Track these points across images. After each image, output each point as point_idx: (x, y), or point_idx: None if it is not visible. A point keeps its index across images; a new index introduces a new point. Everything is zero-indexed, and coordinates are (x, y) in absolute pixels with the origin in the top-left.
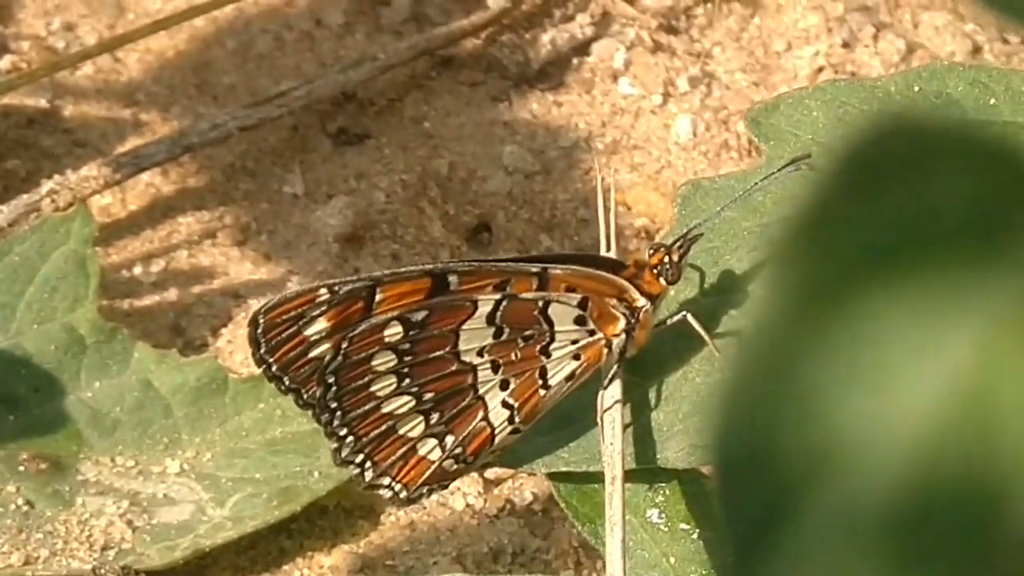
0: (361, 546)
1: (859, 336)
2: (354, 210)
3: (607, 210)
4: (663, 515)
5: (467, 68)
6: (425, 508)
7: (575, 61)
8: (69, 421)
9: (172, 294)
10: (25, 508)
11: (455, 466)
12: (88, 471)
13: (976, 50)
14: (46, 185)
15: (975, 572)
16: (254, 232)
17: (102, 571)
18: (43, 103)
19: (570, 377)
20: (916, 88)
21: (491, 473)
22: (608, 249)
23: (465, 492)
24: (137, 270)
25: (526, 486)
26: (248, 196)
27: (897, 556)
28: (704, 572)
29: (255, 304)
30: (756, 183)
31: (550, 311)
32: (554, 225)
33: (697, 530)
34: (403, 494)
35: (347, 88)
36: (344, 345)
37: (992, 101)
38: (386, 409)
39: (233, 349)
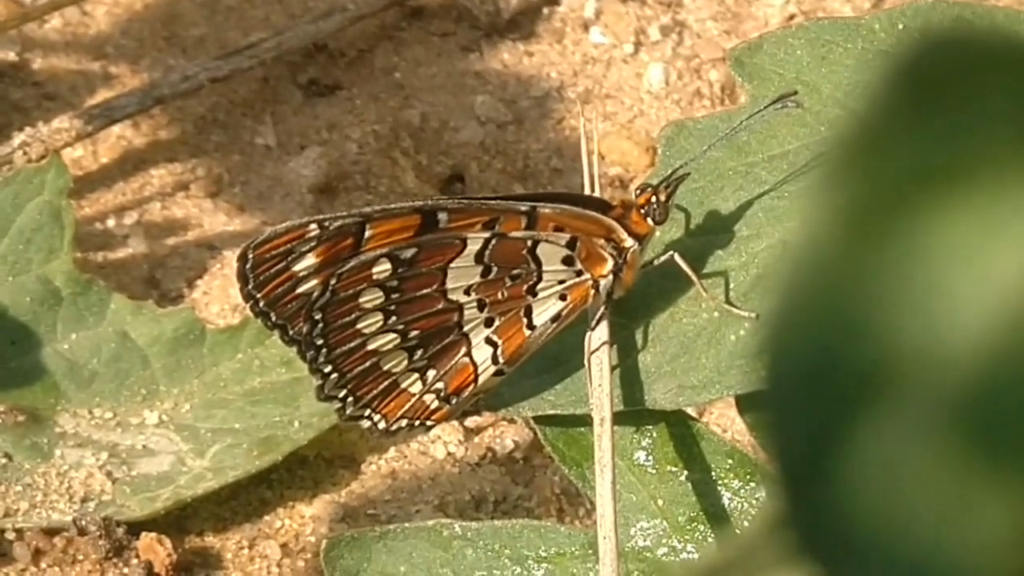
0: (342, 495)
1: (916, 251)
2: (327, 161)
3: (590, 154)
4: (650, 457)
5: (438, 18)
6: (406, 457)
7: (546, 11)
8: (46, 373)
9: (146, 246)
10: (3, 461)
11: (436, 403)
12: (66, 423)
13: None
14: (18, 138)
15: None
16: (227, 184)
17: (83, 523)
18: (12, 56)
19: (556, 318)
20: (900, 26)
21: (472, 421)
22: (592, 193)
23: (446, 440)
24: (110, 222)
25: (507, 434)
26: (220, 148)
27: (979, 446)
28: (692, 514)
29: (230, 255)
30: (741, 122)
31: (538, 250)
32: (527, 175)
33: (685, 472)
34: (381, 425)
35: (317, 39)
36: (332, 281)
37: None
38: (371, 346)
39: (209, 300)
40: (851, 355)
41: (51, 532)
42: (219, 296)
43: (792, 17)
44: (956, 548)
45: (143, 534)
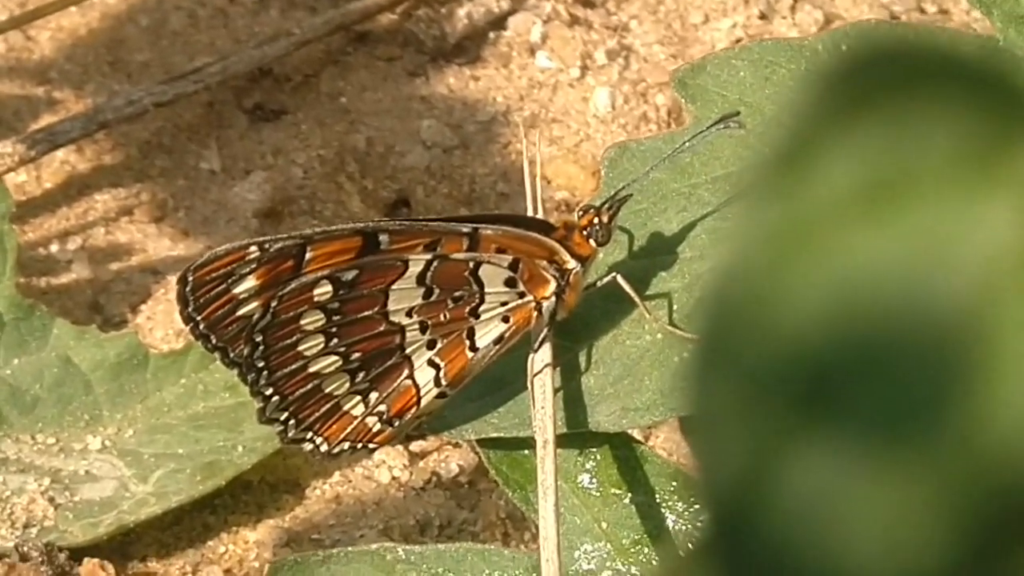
0: (286, 520)
1: (843, 275)
2: (272, 185)
3: (532, 182)
4: (594, 480)
5: (383, 43)
6: (351, 481)
7: (492, 35)
8: None
9: (90, 271)
10: None
11: (379, 425)
12: (8, 449)
13: (893, 20)
14: None
15: None
16: (171, 208)
17: (25, 548)
18: None
19: (499, 340)
20: (844, 47)
21: (416, 446)
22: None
23: (391, 465)
24: (54, 248)
25: (452, 458)
26: (165, 172)
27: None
28: (636, 536)
29: (174, 280)
30: (684, 143)
31: (480, 272)
32: (473, 199)
33: (629, 494)
34: (324, 447)
35: (263, 64)
36: (273, 304)
37: None
38: (313, 368)
39: (153, 325)
40: (782, 377)
41: None
42: (163, 321)
43: (739, 41)
44: None
45: (86, 560)
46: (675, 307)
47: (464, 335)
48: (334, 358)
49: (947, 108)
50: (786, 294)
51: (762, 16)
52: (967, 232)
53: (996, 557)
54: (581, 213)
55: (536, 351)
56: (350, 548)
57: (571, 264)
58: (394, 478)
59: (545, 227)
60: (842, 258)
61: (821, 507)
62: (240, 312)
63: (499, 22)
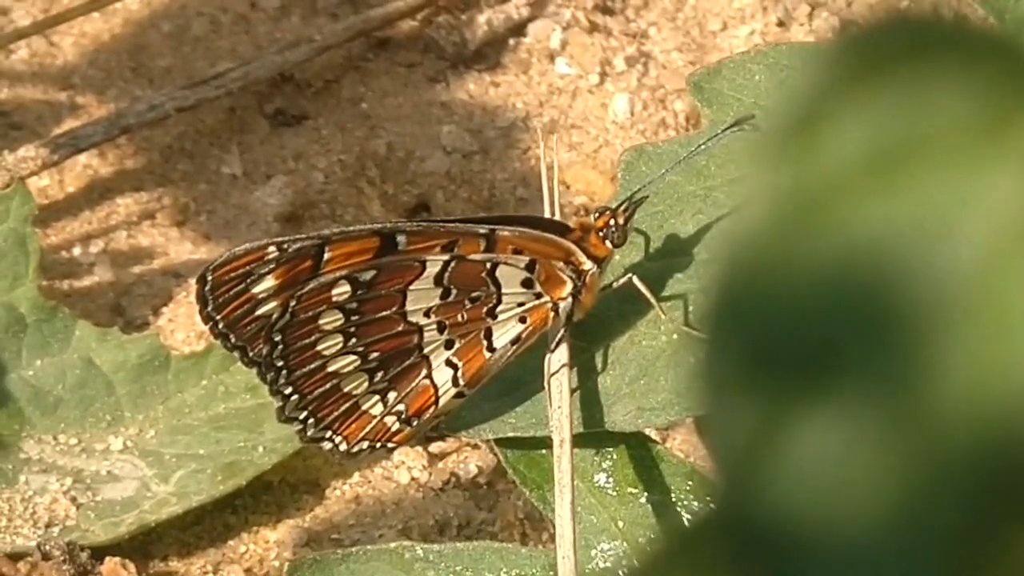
0: (307, 520)
1: (855, 244)
2: (293, 190)
3: (550, 186)
4: (611, 479)
5: (404, 49)
6: (370, 482)
7: (512, 42)
8: (11, 399)
9: (112, 274)
10: None
11: (397, 425)
12: (31, 449)
13: None
14: None
15: None
16: (193, 213)
17: (47, 548)
18: None
19: (516, 340)
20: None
21: (436, 447)
22: None
23: (410, 466)
24: (76, 251)
25: (471, 459)
26: (186, 177)
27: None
28: (652, 535)
29: (195, 283)
30: (699, 146)
31: (498, 273)
32: (493, 204)
33: (645, 493)
34: (343, 447)
35: (284, 69)
36: (292, 303)
37: None
38: (331, 368)
39: (174, 328)
40: (787, 342)
41: (15, 557)
42: (184, 323)
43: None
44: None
45: (107, 559)
46: (690, 308)
47: (482, 335)
48: (352, 358)
49: (956, 76)
50: (793, 261)
51: (780, 23)
52: (975, 200)
53: (1001, 523)
54: (597, 215)
55: (553, 351)
56: (369, 547)
57: (587, 265)
58: (413, 479)
59: (562, 228)
60: (849, 226)
61: (827, 472)
62: (259, 312)
63: (519, 29)
